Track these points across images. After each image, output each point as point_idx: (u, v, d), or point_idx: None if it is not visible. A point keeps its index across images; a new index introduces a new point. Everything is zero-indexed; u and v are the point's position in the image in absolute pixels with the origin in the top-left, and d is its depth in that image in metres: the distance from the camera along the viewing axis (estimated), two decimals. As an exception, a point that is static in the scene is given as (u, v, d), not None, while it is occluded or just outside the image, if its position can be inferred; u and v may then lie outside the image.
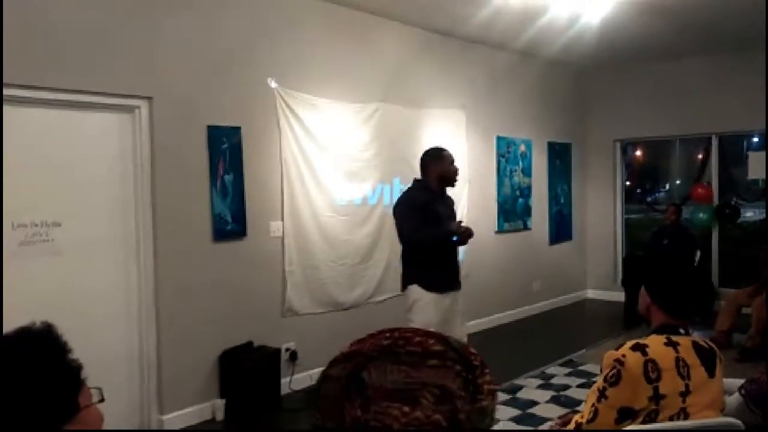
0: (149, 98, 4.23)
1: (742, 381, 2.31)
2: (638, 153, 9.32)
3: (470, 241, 4.29)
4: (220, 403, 4.49)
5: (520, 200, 7.61)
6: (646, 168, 9.89)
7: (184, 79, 4.40)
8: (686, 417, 1.95)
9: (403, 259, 4.31)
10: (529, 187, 7.74)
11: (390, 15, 5.78)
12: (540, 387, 5.01)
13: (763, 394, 2.20)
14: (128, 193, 4.21)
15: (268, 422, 4.47)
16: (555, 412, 4.43)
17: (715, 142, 7.91)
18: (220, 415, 4.47)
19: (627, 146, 8.85)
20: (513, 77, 7.40)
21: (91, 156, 4.05)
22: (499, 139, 7.25)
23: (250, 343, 4.72)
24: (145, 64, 4.19)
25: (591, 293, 8.79)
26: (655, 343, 2.02)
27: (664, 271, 2.24)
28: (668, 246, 7.15)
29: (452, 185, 4.35)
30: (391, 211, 5.72)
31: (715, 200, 7.83)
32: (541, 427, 4.21)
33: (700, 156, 8.25)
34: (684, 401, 1.95)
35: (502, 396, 4.76)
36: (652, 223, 8.59)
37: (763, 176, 7.27)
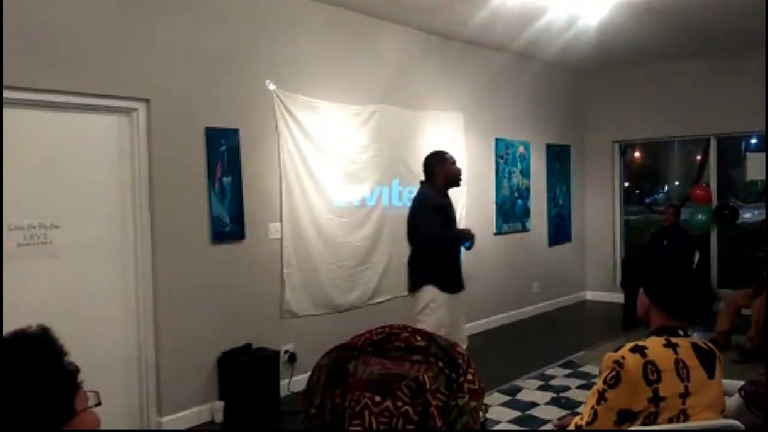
0: (147, 100, 4.22)
1: (741, 382, 2.31)
2: (637, 154, 9.32)
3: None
4: (219, 405, 4.48)
5: (519, 202, 7.61)
6: (644, 169, 9.89)
7: (182, 81, 4.40)
8: (686, 419, 1.95)
9: (415, 260, 4.37)
10: (527, 189, 7.74)
11: (388, 17, 5.78)
12: (540, 388, 5.01)
13: (763, 395, 2.19)
14: (126, 195, 4.21)
15: (267, 424, 4.47)
16: (555, 413, 4.43)
17: (713, 144, 7.92)
18: (219, 417, 4.46)
19: (626, 148, 8.85)
20: (511, 79, 7.40)
21: (89, 158, 4.05)
22: (497, 140, 7.25)
23: (248, 345, 4.71)
24: (143, 67, 4.19)
25: (590, 295, 8.79)
26: (654, 344, 2.01)
27: (662, 272, 2.23)
28: (667, 247, 7.16)
29: (458, 185, 4.50)
30: (389, 212, 5.78)
31: (714, 201, 7.83)
32: (542, 428, 4.20)
33: (698, 157, 8.25)
34: (684, 403, 1.95)
35: (502, 397, 4.76)
36: (651, 225, 8.59)
37: (762, 177, 7.28)
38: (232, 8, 4.70)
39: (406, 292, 5.87)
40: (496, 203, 7.23)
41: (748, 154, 7.91)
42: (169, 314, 4.32)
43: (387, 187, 5.82)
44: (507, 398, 4.75)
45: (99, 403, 1.18)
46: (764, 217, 7.13)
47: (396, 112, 5.92)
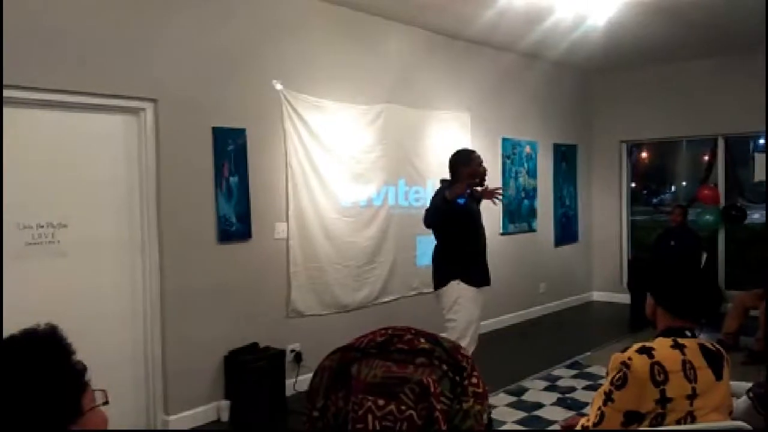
0: (154, 100, 4.24)
1: (750, 384, 2.30)
2: (644, 154, 9.29)
3: None
4: (225, 404, 4.49)
5: (526, 202, 7.59)
6: (651, 169, 9.85)
7: (190, 81, 4.41)
8: (693, 420, 1.94)
9: (440, 257, 4.37)
10: (534, 189, 7.72)
11: (395, 17, 5.78)
12: (546, 389, 5.00)
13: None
14: (134, 195, 4.22)
15: (273, 423, 4.48)
16: (561, 414, 4.42)
17: (721, 144, 7.88)
18: (225, 416, 4.47)
19: (633, 148, 8.82)
20: (518, 79, 7.39)
21: (96, 158, 4.06)
22: (504, 140, 7.24)
23: (255, 344, 4.72)
24: (151, 67, 4.20)
25: (596, 295, 8.77)
26: (661, 345, 2.00)
27: (668, 273, 2.22)
28: (674, 248, 7.13)
29: (481, 185, 4.48)
30: (395, 212, 5.79)
31: (722, 202, 7.80)
32: (548, 429, 4.20)
33: (706, 157, 8.22)
34: (691, 404, 1.94)
35: (507, 398, 4.76)
36: (658, 225, 8.57)
37: (771, 177, 7.24)
38: (238, 8, 4.70)
39: (412, 292, 5.92)
40: (503, 203, 7.20)
41: (756, 155, 7.87)
42: (176, 313, 4.33)
43: (393, 187, 5.81)
44: (513, 399, 4.74)
45: (107, 402, 1.18)
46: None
47: (402, 111, 5.92)
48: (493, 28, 6.09)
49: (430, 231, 4.44)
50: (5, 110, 3.56)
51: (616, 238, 8.63)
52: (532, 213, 7.70)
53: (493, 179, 7.08)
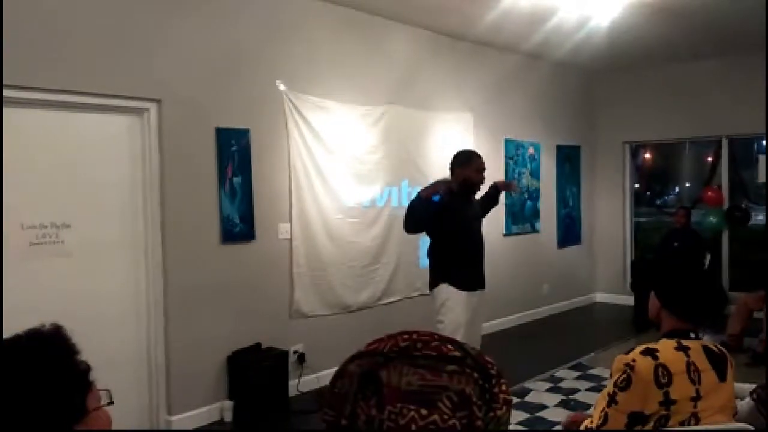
0: (158, 100, 4.25)
1: (753, 385, 2.29)
2: (648, 156, 9.27)
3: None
4: (229, 404, 4.50)
5: (529, 203, 7.58)
6: (655, 171, 9.84)
7: (193, 82, 4.42)
8: (697, 422, 1.93)
9: (431, 258, 4.32)
10: (537, 190, 7.71)
11: (398, 17, 5.78)
12: (549, 390, 4.99)
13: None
14: (137, 195, 4.23)
15: (276, 424, 4.48)
16: (564, 415, 4.40)
17: (725, 145, 7.86)
18: (228, 417, 4.48)
19: (636, 149, 8.81)
20: (522, 80, 7.38)
21: (100, 158, 4.07)
22: (507, 141, 7.23)
23: (258, 345, 4.72)
24: (155, 67, 4.21)
25: (600, 297, 8.75)
26: (665, 347, 2.00)
27: (673, 275, 2.22)
28: (678, 249, 7.11)
29: (473, 192, 4.37)
30: (399, 213, 5.74)
31: (726, 203, 7.78)
32: (551, 430, 4.19)
33: (710, 159, 8.20)
34: (695, 406, 1.93)
35: (510, 399, 4.74)
36: (661, 227, 8.55)
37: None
38: (242, 9, 4.71)
39: (416, 293, 5.92)
40: (506, 204, 7.20)
41: (760, 156, 7.84)
42: (180, 314, 4.34)
43: (396, 187, 5.81)
44: (516, 400, 4.73)
45: (111, 402, 1.19)
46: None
47: (405, 112, 5.92)
48: (496, 29, 6.08)
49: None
50: (10, 111, 3.57)
51: (619, 240, 8.62)
52: (536, 214, 7.69)
53: (496, 180, 7.08)
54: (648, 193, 9.68)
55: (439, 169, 5.50)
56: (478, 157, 4.38)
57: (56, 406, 1.07)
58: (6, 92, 3.51)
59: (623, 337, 6.43)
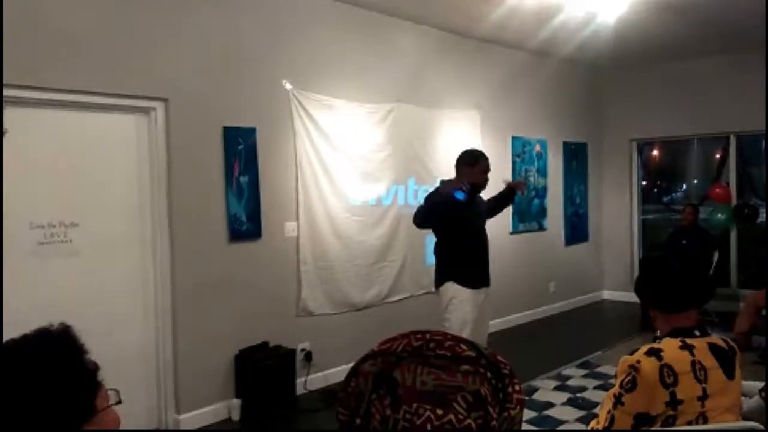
0: (165, 99, 4.26)
1: (762, 384, 2.27)
2: (655, 153, 9.22)
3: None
4: (236, 402, 4.51)
5: (536, 201, 7.56)
6: (662, 168, 9.78)
7: (200, 81, 4.42)
8: (705, 421, 1.92)
9: (437, 256, 4.33)
10: (544, 188, 7.69)
11: (405, 15, 5.77)
12: (556, 388, 4.98)
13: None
14: (145, 194, 4.24)
15: (283, 422, 4.49)
16: (571, 414, 4.41)
17: (733, 142, 7.82)
18: (236, 415, 4.49)
19: (643, 146, 8.77)
20: (528, 77, 7.36)
21: (108, 157, 4.09)
22: (514, 139, 7.22)
23: (265, 343, 4.73)
24: (161, 66, 4.22)
25: (607, 294, 8.73)
26: (669, 347, 1.98)
27: (645, 274, 2.23)
28: (686, 247, 7.08)
29: (478, 192, 4.36)
30: (405, 211, 5.77)
31: (734, 200, 7.74)
32: (558, 428, 4.18)
33: (718, 155, 8.15)
34: (702, 405, 1.92)
35: (517, 397, 4.74)
36: (669, 224, 8.50)
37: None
38: (250, 7, 4.71)
39: (422, 291, 5.92)
40: (513, 202, 7.17)
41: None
42: (187, 312, 4.35)
43: (403, 186, 5.81)
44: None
45: (119, 401, 1.19)
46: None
47: (412, 110, 5.91)
48: (503, 26, 6.07)
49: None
50: (17, 111, 3.59)
51: (626, 237, 8.59)
52: (542, 212, 7.67)
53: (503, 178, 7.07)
54: (655, 190, 9.63)
55: (446, 167, 5.49)
56: (485, 158, 4.38)
57: (65, 406, 1.07)
58: (14, 92, 3.53)
59: (630, 334, 6.41)
